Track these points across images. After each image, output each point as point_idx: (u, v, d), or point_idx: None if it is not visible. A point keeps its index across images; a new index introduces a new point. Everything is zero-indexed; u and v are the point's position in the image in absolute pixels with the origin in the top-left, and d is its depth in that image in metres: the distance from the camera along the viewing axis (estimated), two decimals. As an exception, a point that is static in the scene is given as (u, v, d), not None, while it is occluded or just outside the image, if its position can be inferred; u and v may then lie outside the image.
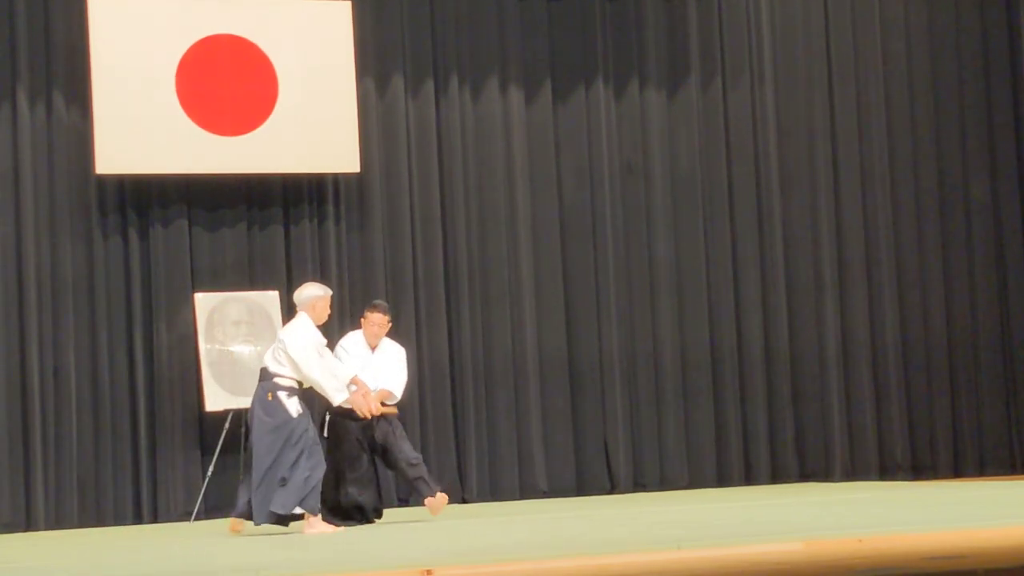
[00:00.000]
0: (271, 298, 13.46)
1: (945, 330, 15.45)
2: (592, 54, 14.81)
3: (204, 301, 13.30)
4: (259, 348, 13.26)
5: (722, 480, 14.75)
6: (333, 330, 13.79)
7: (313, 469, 10.49)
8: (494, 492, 14.16)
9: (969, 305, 15.53)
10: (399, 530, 10.54)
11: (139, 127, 13.31)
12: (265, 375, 10.73)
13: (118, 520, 13.16)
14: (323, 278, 13.86)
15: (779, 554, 7.34)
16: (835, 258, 15.22)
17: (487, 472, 14.20)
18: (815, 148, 15.30)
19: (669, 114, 15.00)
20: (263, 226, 13.86)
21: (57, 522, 13.03)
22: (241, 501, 10.76)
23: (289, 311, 13.56)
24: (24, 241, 13.25)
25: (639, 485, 14.56)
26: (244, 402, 13.04)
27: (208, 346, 13.18)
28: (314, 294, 10.93)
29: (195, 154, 13.46)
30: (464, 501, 14.01)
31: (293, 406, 10.57)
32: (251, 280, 13.71)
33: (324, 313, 10.91)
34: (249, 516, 10.60)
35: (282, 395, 10.59)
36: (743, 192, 15.09)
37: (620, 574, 6.84)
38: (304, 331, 10.75)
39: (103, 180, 13.44)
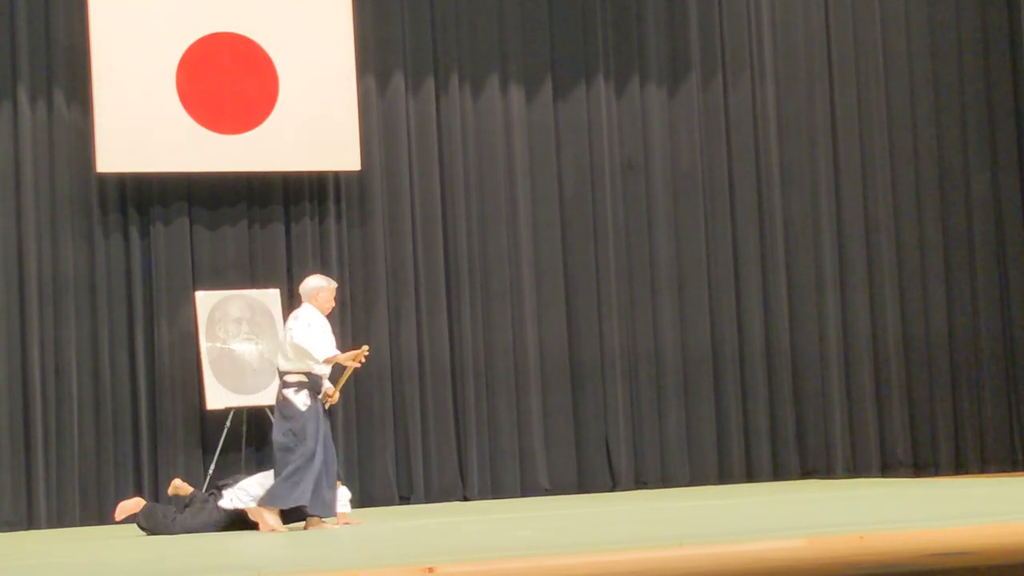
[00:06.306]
0: (272, 296, 13.46)
1: (946, 326, 15.45)
2: (593, 51, 14.81)
3: (205, 299, 13.30)
4: (260, 346, 13.28)
5: (723, 477, 14.74)
6: (334, 328, 13.81)
7: (315, 468, 10.67)
8: (495, 490, 14.16)
9: (970, 301, 15.52)
10: (401, 528, 10.54)
11: (140, 125, 13.30)
12: (277, 375, 11.01)
13: (120, 518, 13.17)
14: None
15: (781, 551, 7.34)
16: (836, 255, 15.22)
17: (488, 470, 14.20)
18: (816, 145, 15.29)
19: (670, 111, 14.99)
20: (264, 224, 13.86)
21: (59, 520, 13.04)
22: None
23: (291, 309, 13.60)
24: (25, 240, 13.25)
25: (640, 482, 14.56)
26: (246, 400, 13.08)
27: (209, 344, 13.18)
28: (316, 284, 11.11)
29: (196, 152, 13.46)
30: (465, 499, 14.01)
31: (301, 401, 10.75)
32: (252, 278, 13.71)
33: (327, 304, 11.07)
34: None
35: (289, 392, 10.80)
36: (744, 189, 15.09)
37: (622, 571, 6.84)
38: (308, 312, 10.93)
39: (104, 178, 13.44)
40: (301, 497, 10.65)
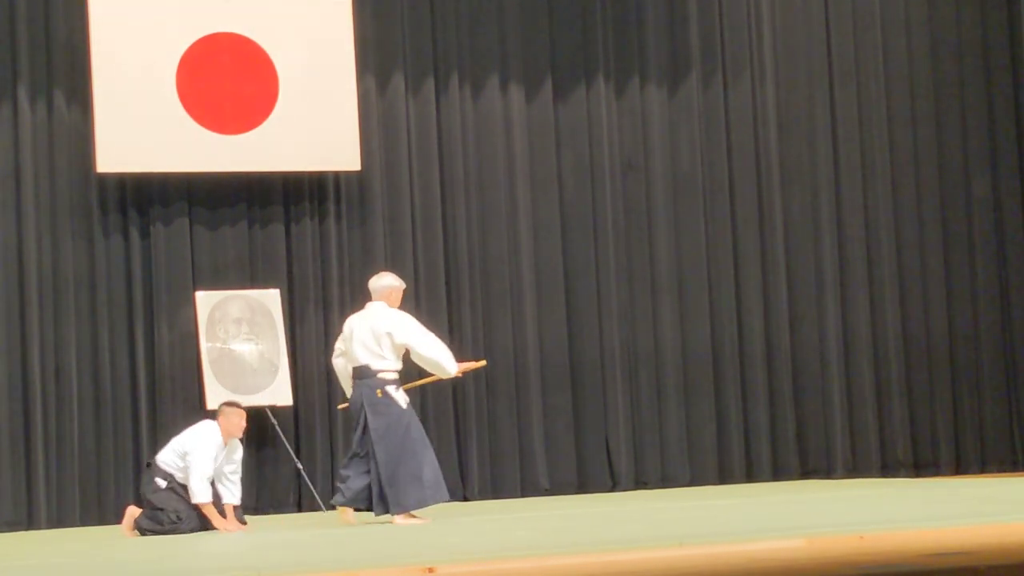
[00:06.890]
0: (272, 296, 13.46)
1: (946, 326, 15.45)
2: (593, 51, 14.81)
3: (205, 299, 13.31)
4: (260, 346, 13.28)
5: (723, 477, 14.74)
6: (328, 329, 13.81)
7: (431, 460, 10.85)
8: (495, 490, 14.16)
9: (970, 301, 15.53)
10: (401, 528, 10.53)
11: (140, 125, 13.31)
12: (366, 373, 10.91)
13: (120, 519, 13.11)
14: (324, 276, 13.88)
15: (781, 551, 7.34)
16: (836, 255, 15.22)
17: (488, 469, 14.20)
18: (816, 145, 15.30)
19: (670, 111, 14.99)
20: (264, 224, 13.86)
21: (59, 521, 13.04)
22: (352, 487, 10.87)
23: (291, 309, 13.63)
24: (25, 240, 13.25)
25: (640, 482, 14.56)
26: (245, 400, 13.03)
27: (209, 344, 13.19)
28: (390, 284, 11.17)
29: (196, 152, 13.46)
30: (465, 499, 14.01)
31: (401, 398, 10.86)
32: (252, 278, 13.71)
33: (396, 304, 11.13)
34: (364, 506, 10.85)
35: (390, 389, 10.84)
36: (744, 189, 15.09)
37: (622, 571, 6.84)
38: (404, 315, 10.99)
39: (104, 179, 13.45)
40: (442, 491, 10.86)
